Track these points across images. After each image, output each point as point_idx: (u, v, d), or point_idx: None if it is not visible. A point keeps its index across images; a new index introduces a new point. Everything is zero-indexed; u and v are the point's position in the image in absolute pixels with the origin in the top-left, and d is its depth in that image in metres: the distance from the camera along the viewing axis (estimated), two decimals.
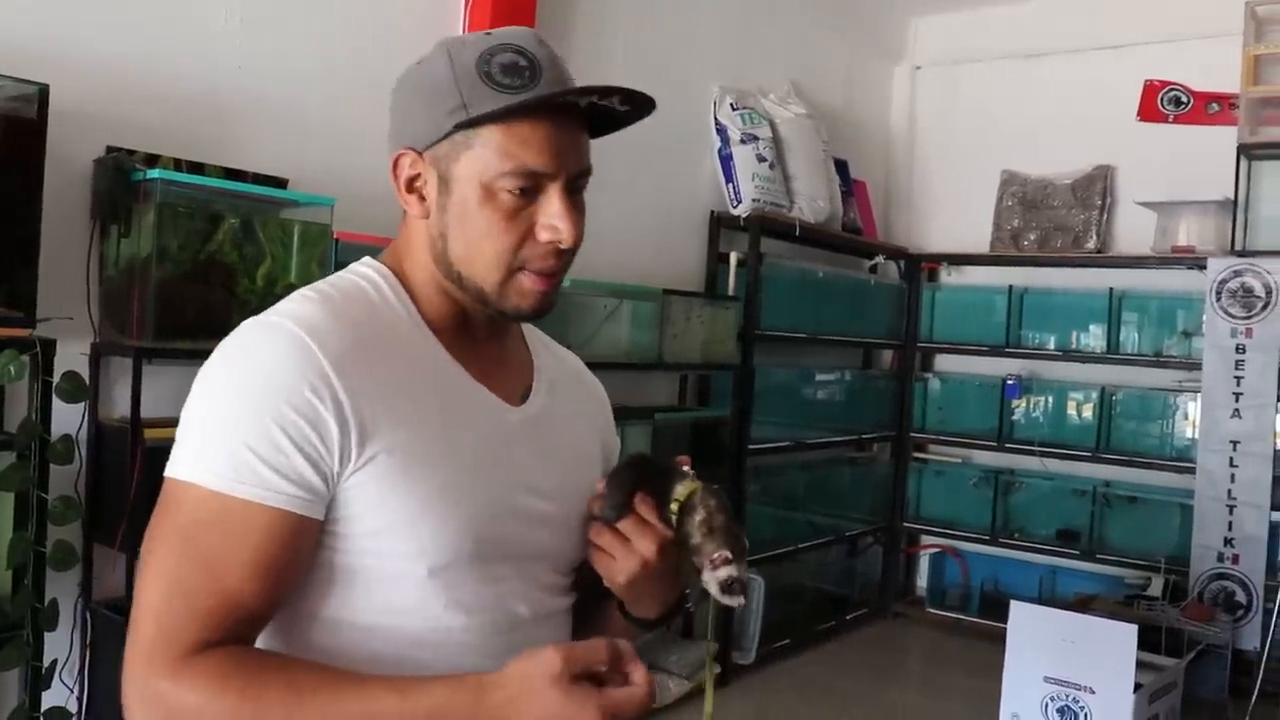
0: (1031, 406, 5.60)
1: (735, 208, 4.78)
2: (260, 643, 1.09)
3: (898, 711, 4.59)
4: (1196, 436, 4.89)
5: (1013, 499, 5.62)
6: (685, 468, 1.23)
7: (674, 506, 1.19)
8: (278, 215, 2.93)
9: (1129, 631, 3.56)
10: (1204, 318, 4.82)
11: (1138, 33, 5.38)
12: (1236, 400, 4.68)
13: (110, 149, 2.76)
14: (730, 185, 4.79)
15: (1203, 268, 4.83)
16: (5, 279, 2.47)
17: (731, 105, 4.84)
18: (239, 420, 1.04)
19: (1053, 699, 3.68)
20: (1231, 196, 4.79)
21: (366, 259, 1.23)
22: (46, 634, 2.53)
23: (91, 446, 2.76)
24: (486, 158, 1.11)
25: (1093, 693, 3.61)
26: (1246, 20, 4.76)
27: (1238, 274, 4.70)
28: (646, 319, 4.13)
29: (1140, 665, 3.63)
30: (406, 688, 1.00)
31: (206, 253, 2.72)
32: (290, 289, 1.18)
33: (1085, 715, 3.62)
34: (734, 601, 1.17)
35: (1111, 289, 5.33)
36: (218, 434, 1.04)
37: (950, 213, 6.07)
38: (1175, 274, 5.20)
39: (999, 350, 5.64)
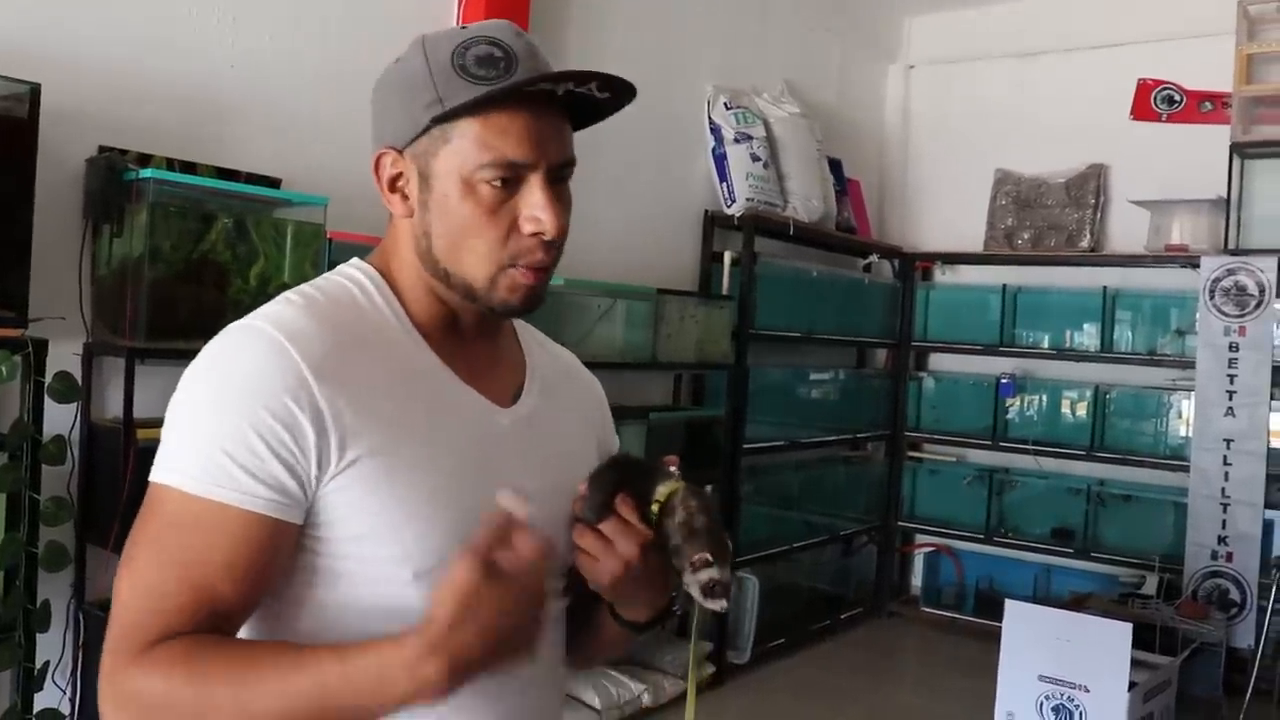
0: (1026, 405, 5.61)
1: (729, 207, 4.78)
2: None
3: (893, 711, 4.59)
4: (1190, 435, 4.91)
5: (1007, 498, 5.63)
6: (671, 468, 1.21)
7: (654, 507, 1.17)
8: (271, 215, 2.92)
9: (1124, 630, 3.56)
10: (1197, 316, 4.83)
11: (1131, 32, 5.39)
12: (1230, 398, 4.69)
13: (102, 149, 2.75)
14: (724, 184, 4.79)
15: (1196, 266, 4.84)
16: None
17: (725, 104, 4.84)
18: (215, 424, 1.04)
19: (1048, 698, 3.68)
20: (1224, 195, 4.80)
21: (354, 260, 1.22)
22: (39, 635, 2.53)
23: (84, 447, 2.75)
24: (465, 151, 1.09)
25: (1087, 691, 3.61)
26: (1239, 19, 4.78)
27: (1231, 272, 4.71)
28: (641, 318, 4.12)
29: (1135, 664, 3.63)
30: (347, 651, 0.99)
31: (199, 253, 2.71)
32: (283, 289, 1.18)
33: (1080, 714, 3.62)
34: (716, 605, 1.15)
35: (1105, 288, 5.33)
36: (194, 438, 1.04)
37: (944, 212, 6.08)
38: (1169, 272, 5.21)
39: (993, 349, 5.64)
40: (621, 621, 1.24)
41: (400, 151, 1.14)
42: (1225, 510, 4.68)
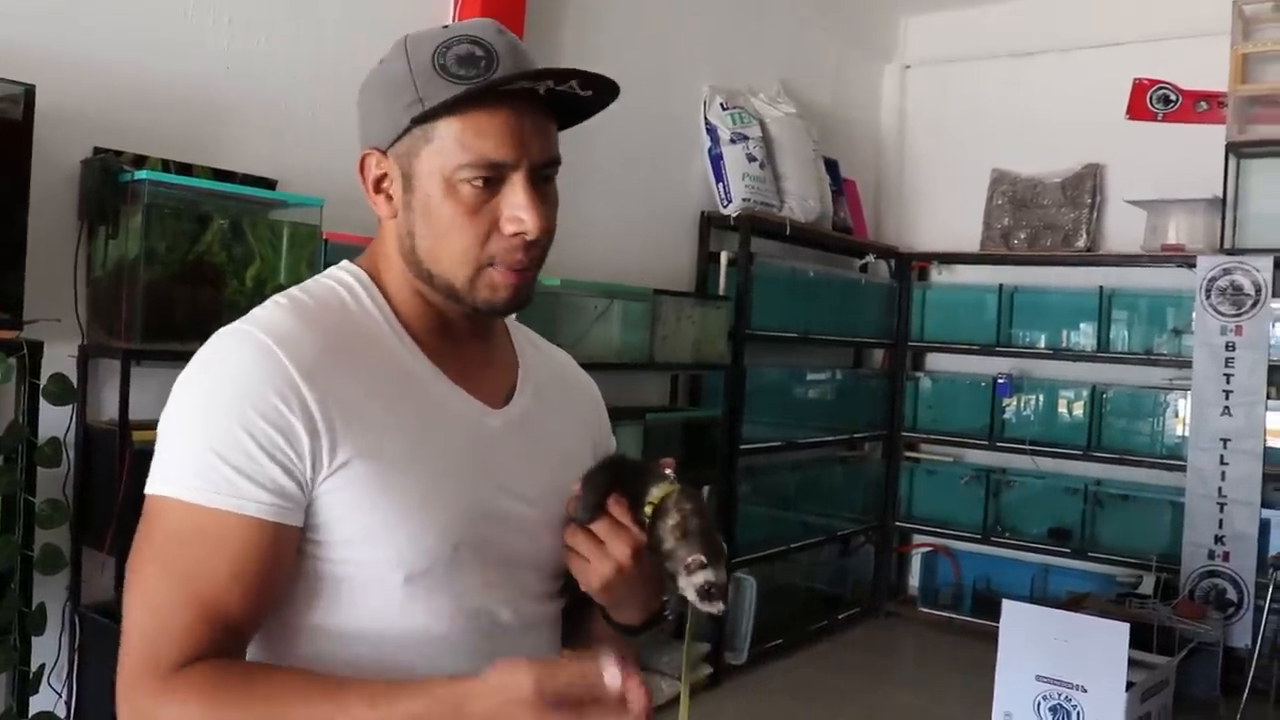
0: (1022, 405, 5.61)
1: (725, 207, 4.78)
2: (247, 656, 1.08)
3: (891, 711, 4.59)
4: (1187, 434, 4.91)
5: (1004, 498, 5.63)
6: (666, 470, 1.20)
7: (647, 510, 1.16)
8: (266, 216, 2.91)
9: (1121, 630, 3.56)
10: (1194, 315, 4.84)
11: (1126, 31, 5.39)
12: (1227, 398, 4.69)
13: (98, 150, 2.75)
14: (720, 185, 4.79)
15: (1192, 266, 4.85)
16: None
17: (721, 105, 4.83)
18: (208, 431, 1.03)
19: (1045, 698, 3.68)
20: (1220, 194, 4.80)
21: (344, 262, 1.21)
22: (34, 638, 2.52)
23: (79, 449, 2.74)
24: (446, 151, 1.09)
25: (1085, 691, 3.61)
26: (1234, 19, 4.78)
27: (1227, 272, 4.71)
28: (637, 319, 4.12)
29: (1132, 663, 3.63)
30: (378, 697, 0.97)
31: (195, 254, 2.70)
32: (279, 290, 1.18)
33: (1077, 714, 3.62)
34: (713, 608, 1.14)
35: (1101, 287, 5.33)
36: (189, 447, 1.03)
37: (940, 212, 6.08)
38: (1165, 272, 5.21)
39: (990, 349, 5.64)
40: (614, 625, 1.23)
41: (384, 152, 1.13)
42: (1222, 510, 4.69)
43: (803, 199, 5.02)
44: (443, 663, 1.07)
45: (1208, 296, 4.74)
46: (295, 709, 0.98)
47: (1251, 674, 4.22)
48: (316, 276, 1.21)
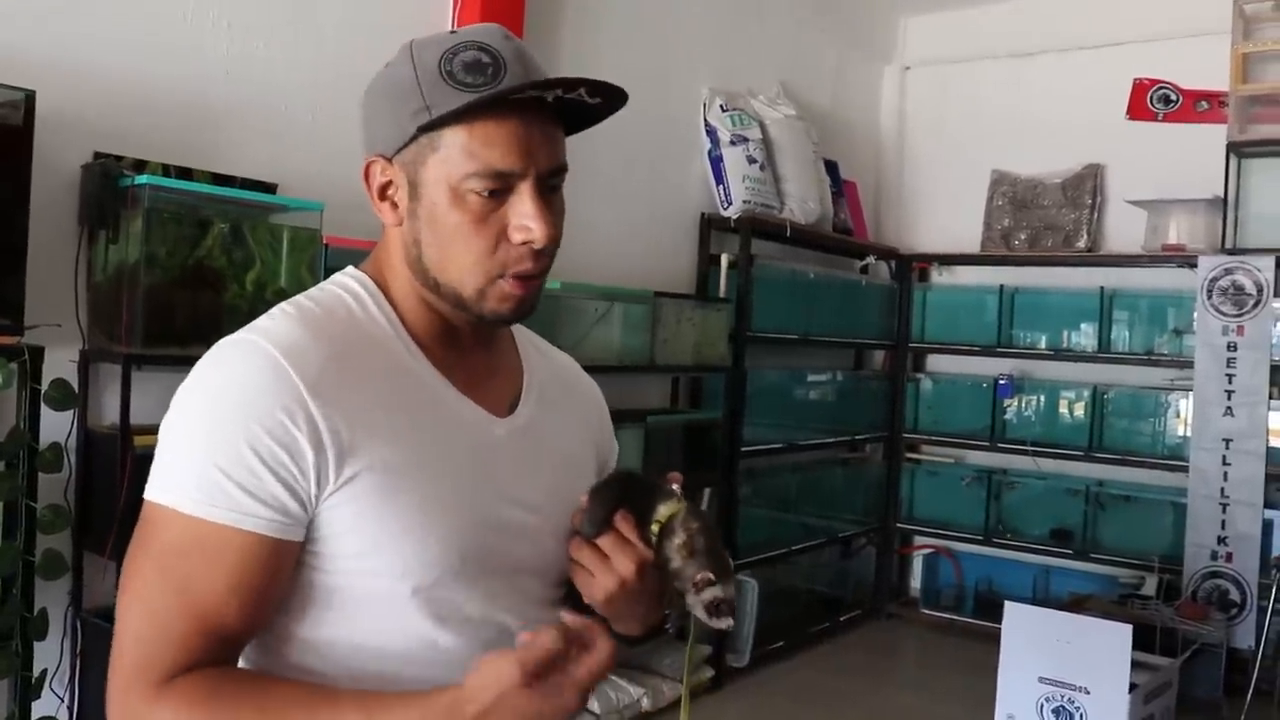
0: (1023, 406, 5.61)
1: (726, 209, 4.78)
2: (244, 662, 1.08)
3: (893, 713, 4.58)
4: (1189, 435, 4.91)
5: (1006, 499, 5.62)
6: (674, 486, 1.20)
7: (654, 528, 1.16)
8: (267, 220, 2.91)
9: (1124, 631, 3.56)
10: (1195, 316, 4.83)
11: (1126, 31, 5.39)
12: (1229, 398, 4.68)
13: (98, 155, 2.75)
14: (720, 187, 4.79)
15: (1193, 266, 4.84)
16: None
17: (721, 107, 4.83)
18: (211, 442, 1.02)
19: (1048, 699, 3.68)
20: (1221, 194, 4.80)
21: (350, 269, 1.20)
22: (36, 643, 2.52)
23: (80, 454, 2.73)
24: (452, 159, 1.08)
25: (1088, 693, 3.61)
26: (1235, 18, 4.78)
27: (1229, 272, 4.71)
28: (638, 321, 4.12)
29: (1135, 665, 3.63)
30: (373, 707, 0.98)
31: (195, 258, 2.70)
32: (280, 294, 1.18)
33: (1080, 715, 3.62)
34: (723, 624, 1.14)
35: (1102, 288, 5.33)
36: (190, 456, 1.03)
37: (941, 213, 6.07)
38: (1166, 272, 5.20)
39: (990, 350, 5.64)
40: (614, 635, 1.23)
41: (389, 159, 1.12)
42: (1224, 510, 4.68)
43: (803, 201, 5.02)
44: (447, 673, 1.05)
45: (1209, 296, 4.74)
46: (291, 718, 0.98)
47: (1255, 675, 4.21)
48: (322, 284, 1.20)
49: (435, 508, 1.09)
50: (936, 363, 6.12)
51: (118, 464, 2.59)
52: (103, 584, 2.76)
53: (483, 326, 1.19)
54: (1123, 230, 5.42)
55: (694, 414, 4.74)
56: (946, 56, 6.09)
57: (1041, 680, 3.69)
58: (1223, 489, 4.69)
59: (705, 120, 4.84)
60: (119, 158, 2.76)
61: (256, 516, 1.01)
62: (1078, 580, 5.33)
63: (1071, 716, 3.63)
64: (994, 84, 5.91)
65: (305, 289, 1.18)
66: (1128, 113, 5.40)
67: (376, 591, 1.08)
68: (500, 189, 1.08)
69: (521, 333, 1.33)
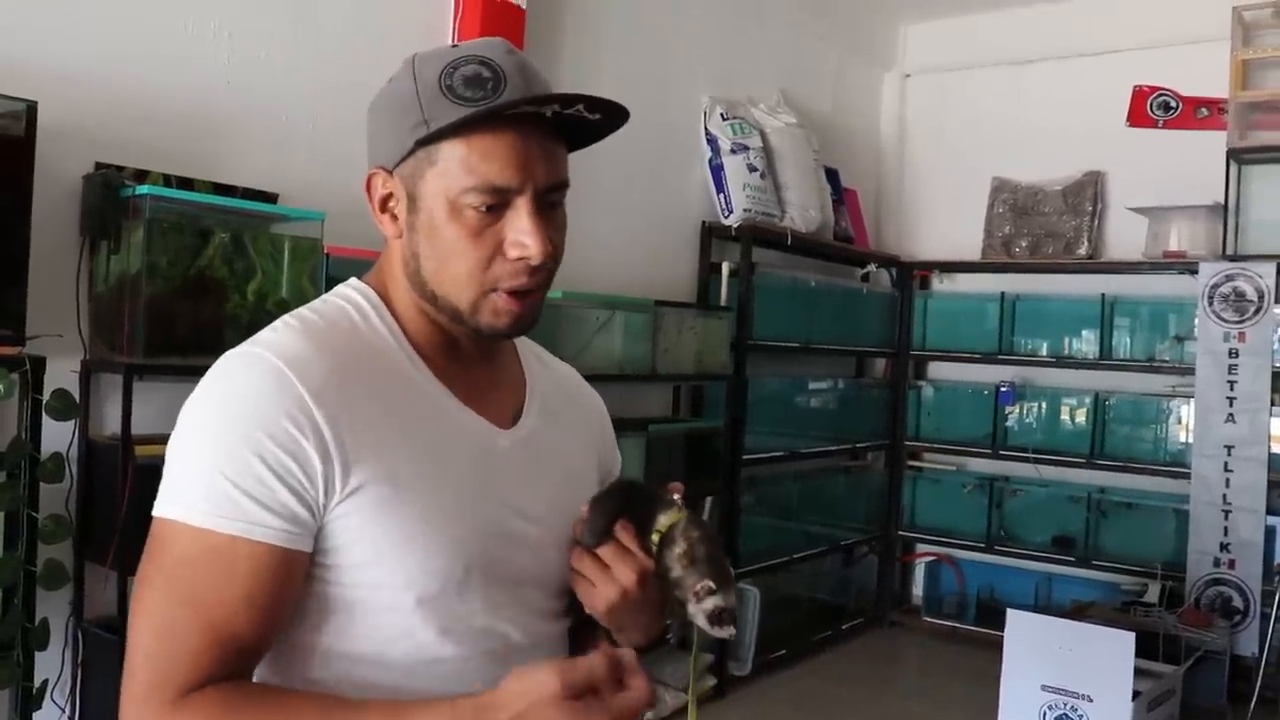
0: (1025, 413, 5.60)
1: (726, 218, 4.78)
2: (254, 677, 1.08)
3: None
4: (1191, 441, 4.89)
5: (1008, 506, 5.62)
6: (675, 495, 1.20)
7: (655, 537, 1.16)
8: (268, 230, 2.91)
9: (1126, 639, 3.55)
10: (1196, 322, 4.83)
11: (1126, 38, 5.40)
12: (1230, 405, 4.68)
13: (99, 165, 2.75)
14: (721, 195, 4.79)
15: (1194, 272, 4.84)
16: None
17: (722, 115, 4.84)
18: (218, 453, 1.02)
19: (1051, 707, 3.67)
20: (1222, 201, 4.80)
21: (352, 280, 1.21)
22: (37, 654, 2.51)
23: (82, 464, 2.73)
24: (450, 174, 1.08)
25: (1091, 701, 3.60)
26: (1234, 25, 4.78)
27: (1229, 278, 4.70)
28: (639, 330, 4.12)
29: (1138, 673, 3.62)
30: (402, 713, 0.98)
31: (196, 268, 2.70)
32: (281, 304, 1.18)
33: None
34: (725, 633, 1.14)
35: (1103, 294, 5.33)
36: (198, 468, 1.03)
37: (941, 220, 6.08)
38: (1167, 279, 5.20)
39: (992, 357, 5.63)
40: (615, 645, 1.23)
41: (390, 172, 1.13)
42: (1227, 517, 4.67)
43: (804, 209, 5.03)
44: (452, 684, 1.06)
45: (1210, 303, 4.74)
46: None
47: (1259, 682, 4.20)
48: (325, 296, 1.20)
49: (438, 518, 1.09)
50: (938, 370, 6.11)
51: (119, 474, 2.59)
52: (104, 594, 2.76)
53: (482, 339, 1.19)
54: (1123, 237, 5.42)
55: (695, 423, 4.74)
56: (947, 64, 6.10)
57: (1044, 688, 3.69)
58: (1225, 495, 4.68)
59: (706, 129, 4.85)
60: (120, 168, 2.77)
61: (266, 526, 1.01)
62: (1080, 588, 5.32)
63: None
64: (994, 91, 5.92)
65: (306, 299, 1.19)
66: (1128, 120, 5.41)
67: (381, 602, 1.08)
68: (498, 204, 1.08)
69: (524, 344, 1.33)
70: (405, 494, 1.07)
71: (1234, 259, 4.76)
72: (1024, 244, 5.70)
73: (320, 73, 3.31)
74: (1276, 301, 4.63)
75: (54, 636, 2.61)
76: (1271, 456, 4.62)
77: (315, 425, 1.03)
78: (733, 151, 4.79)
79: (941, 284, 6.06)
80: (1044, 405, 5.56)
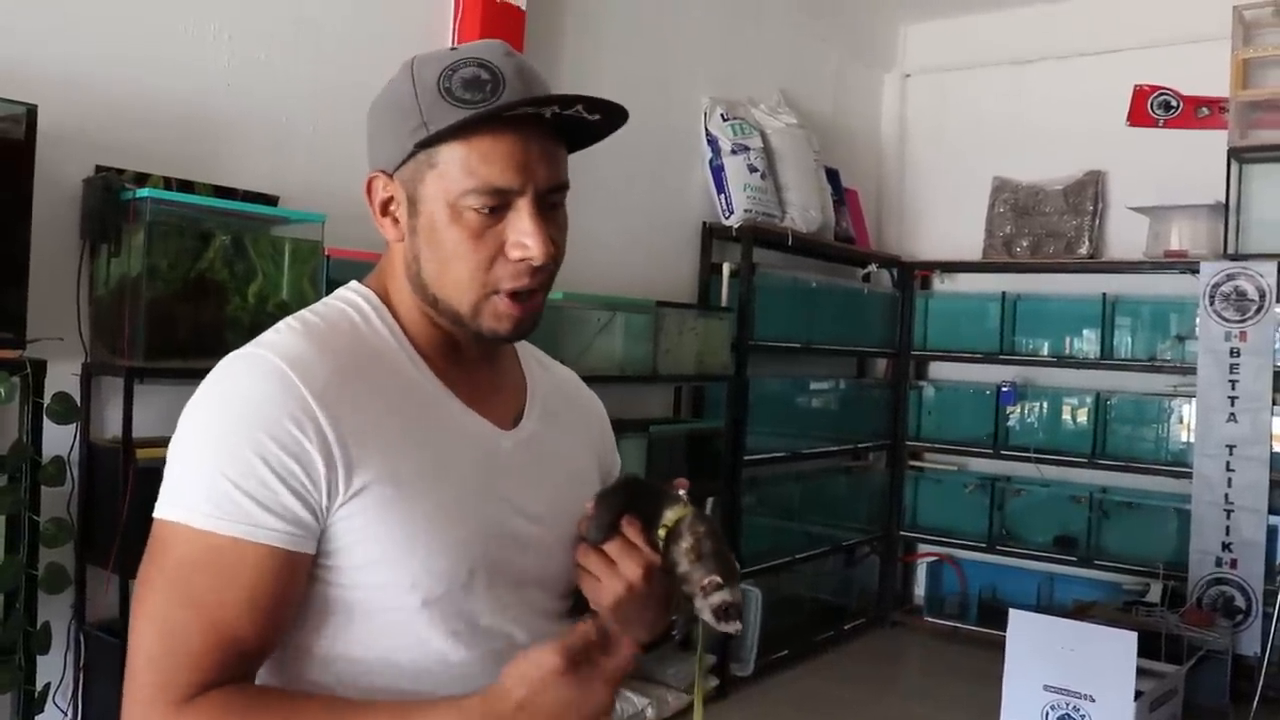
0: (1026, 413, 5.60)
1: (727, 218, 4.78)
2: (258, 680, 1.07)
3: None
4: (1192, 441, 4.89)
5: (1009, 506, 5.62)
6: (680, 491, 1.20)
7: (661, 532, 1.16)
8: (268, 232, 2.91)
9: (1128, 638, 3.55)
10: (1197, 321, 4.83)
11: (1126, 38, 5.40)
12: (1232, 404, 4.68)
13: (99, 168, 2.75)
14: (722, 196, 4.79)
15: (1195, 272, 4.84)
16: None
17: (722, 116, 4.84)
18: (220, 455, 1.02)
19: (1053, 707, 3.67)
20: (1223, 200, 4.80)
21: (354, 283, 1.21)
22: (39, 657, 2.51)
23: (83, 467, 2.73)
24: (450, 176, 1.08)
25: (1093, 701, 3.60)
26: (1234, 24, 4.78)
27: (1231, 277, 4.70)
28: (640, 331, 4.12)
29: (1140, 672, 3.62)
30: (408, 714, 0.99)
31: (197, 271, 2.70)
32: (281, 306, 1.18)
33: None
34: (731, 628, 1.14)
35: (1105, 294, 5.32)
36: (200, 470, 1.02)
37: (942, 220, 6.08)
38: (1168, 278, 5.20)
39: (993, 357, 5.63)
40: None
41: (390, 175, 1.13)
42: (1229, 516, 4.67)
43: (804, 209, 5.02)
44: (458, 686, 1.07)
45: (1211, 302, 4.73)
46: None
47: (1261, 682, 4.20)
48: (326, 298, 1.20)
49: (442, 519, 1.09)
50: (939, 370, 6.11)
51: (120, 477, 2.59)
52: (106, 597, 2.75)
53: (483, 342, 1.19)
54: (1124, 236, 5.42)
55: (697, 423, 4.74)
56: (947, 64, 6.10)
57: (1046, 688, 3.68)
58: (1227, 495, 4.68)
59: (706, 129, 4.85)
60: (120, 171, 2.77)
61: (269, 529, 1.01)
62: (1082, 587, 5.32)
63: None
64: (995, 91, 5.92)
65: (307, 301, 1.19)
66: (1128, 119, 5.40)
67: (387, 605, 1.08)
68: (498, 206, 1.08)
69: (524, 347, 1.33)
70: (408, 495, 1.07)
71: (1235, 258, 4.75)
72: (1025, 244, 5.70)
73: (320, 74, 3.31)
74: (1278, 301, 4.63)
75: (55, 640, 2.61)
76: (1273, 456, 4.62)
77: (319, 427, 1.03)
78: (733, 152, 4.79)
79: (942, 284, 6.06)
80: (1045, 405, 5.55)
